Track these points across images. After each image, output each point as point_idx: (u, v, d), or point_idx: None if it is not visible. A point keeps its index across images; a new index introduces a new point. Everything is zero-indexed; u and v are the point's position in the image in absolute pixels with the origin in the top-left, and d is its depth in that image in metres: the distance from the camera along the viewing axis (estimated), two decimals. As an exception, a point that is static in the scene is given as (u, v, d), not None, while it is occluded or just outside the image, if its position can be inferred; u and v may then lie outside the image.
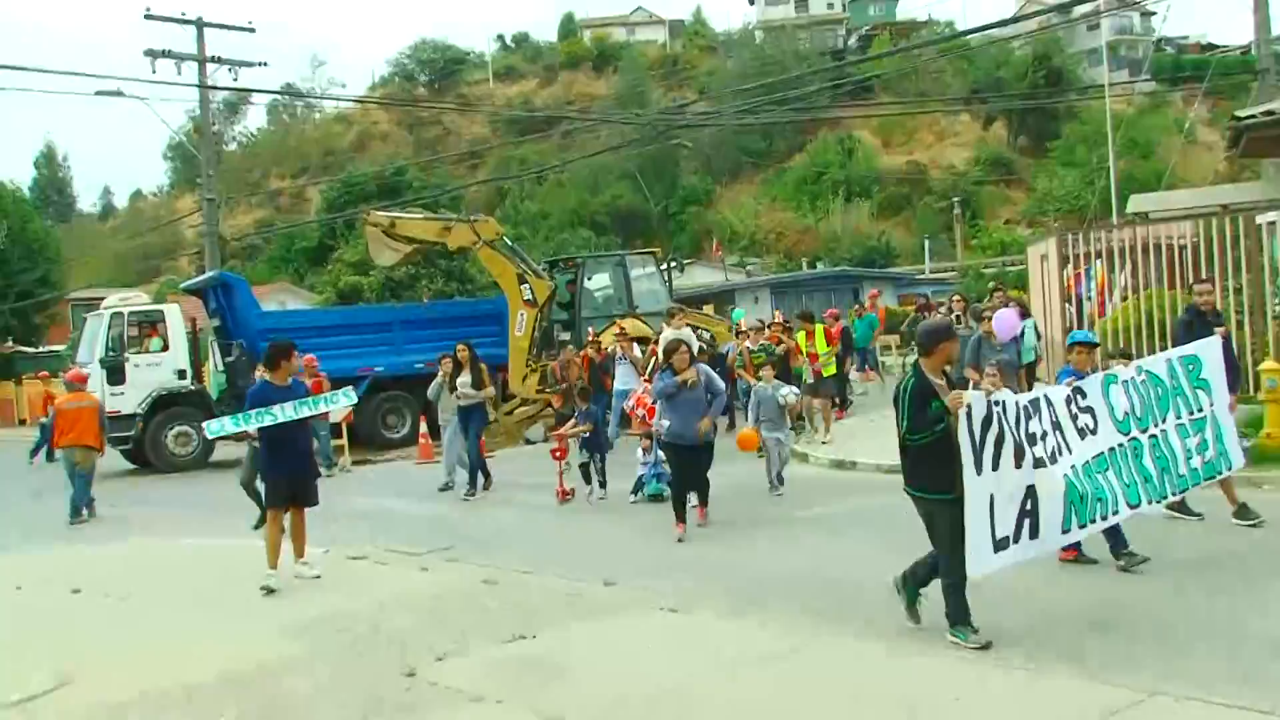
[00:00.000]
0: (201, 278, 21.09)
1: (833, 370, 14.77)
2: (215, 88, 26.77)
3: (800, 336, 14.52)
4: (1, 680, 6.19)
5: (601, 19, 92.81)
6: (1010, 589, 6.27)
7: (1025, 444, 5.84)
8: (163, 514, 13.14)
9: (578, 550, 9.17)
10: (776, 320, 19.46)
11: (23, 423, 31.94)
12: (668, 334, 12.90)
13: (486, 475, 12.52)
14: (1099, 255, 14.20)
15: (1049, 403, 6.27)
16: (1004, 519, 5.73)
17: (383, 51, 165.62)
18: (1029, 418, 5.99)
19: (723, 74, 71.05)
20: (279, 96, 78.55)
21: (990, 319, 11.16)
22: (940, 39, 58.30)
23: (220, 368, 18.64)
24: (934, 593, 5.98)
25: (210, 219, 25.98)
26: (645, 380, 13.38)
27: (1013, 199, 62.57)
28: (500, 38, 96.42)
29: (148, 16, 23.41)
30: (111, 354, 17.55)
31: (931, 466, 5.75)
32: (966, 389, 5.92)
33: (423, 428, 16.42)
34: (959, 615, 5.75)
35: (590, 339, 17.11)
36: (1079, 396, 6.48)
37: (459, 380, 12.47)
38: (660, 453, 10.77)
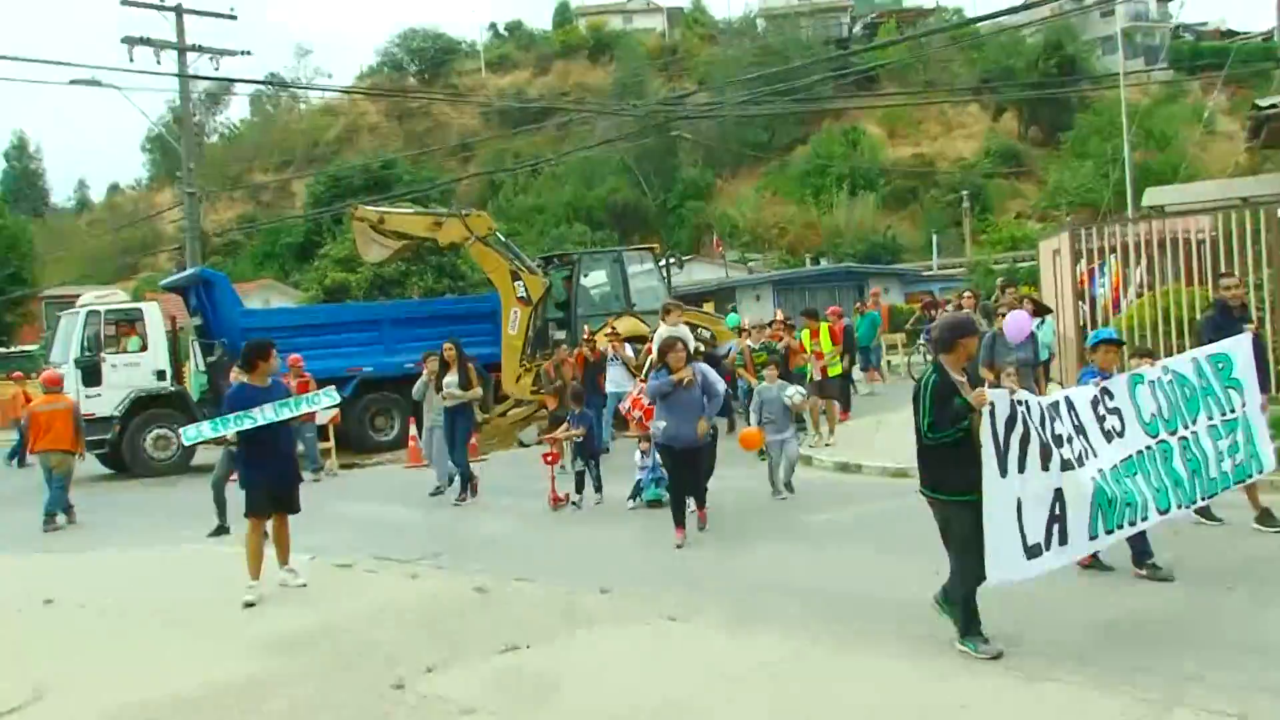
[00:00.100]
0: (182, 275, 20.84)
1: (838, 370, 14.51)
2: (196, 77, 26.19)
3: (804, 335, 14.33)
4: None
5: (598, 6, 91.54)
6: (1023, 596, 6.06)
7: (1052, 444, 5.68)
8: (141, 521, 12.88)
9: (573, 557, 9.00)
10: (778, 319, 19.01)
11: (-6, 425, 31.34)
12: (663, 331, 12.69)
13: (473, 479, 12.13)
14: (1113, 250, 14.00)
15: (1070, 405, 6.10)
16: (1034, 524, 5.57)
17: (371, 40, 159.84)
18: (1052, 420, 5.83)
19: (723, 63, 70.08)
20: (262, 87, 76.01)
21: (1004, 315, 10.86)
22: (948, 26, 57.74)
23: (201, 368, 18.17)
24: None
25: (191, 213, 25.60)
26: (640, 380, 13.02)
27: (1024, 192, 61.43)
28: (493, 26, 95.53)
29: (124, 2, 22.72)
30: (87, 354, 17.06)
31: (952, 467, 5.60)
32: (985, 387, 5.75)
33: (412, 430, 16.10)
34: (969, 625, 5.61)
35: (585, 337, 16.71)
36: (1106, 397, 6.31)
37: (445, 380, 12.09)
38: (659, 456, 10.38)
